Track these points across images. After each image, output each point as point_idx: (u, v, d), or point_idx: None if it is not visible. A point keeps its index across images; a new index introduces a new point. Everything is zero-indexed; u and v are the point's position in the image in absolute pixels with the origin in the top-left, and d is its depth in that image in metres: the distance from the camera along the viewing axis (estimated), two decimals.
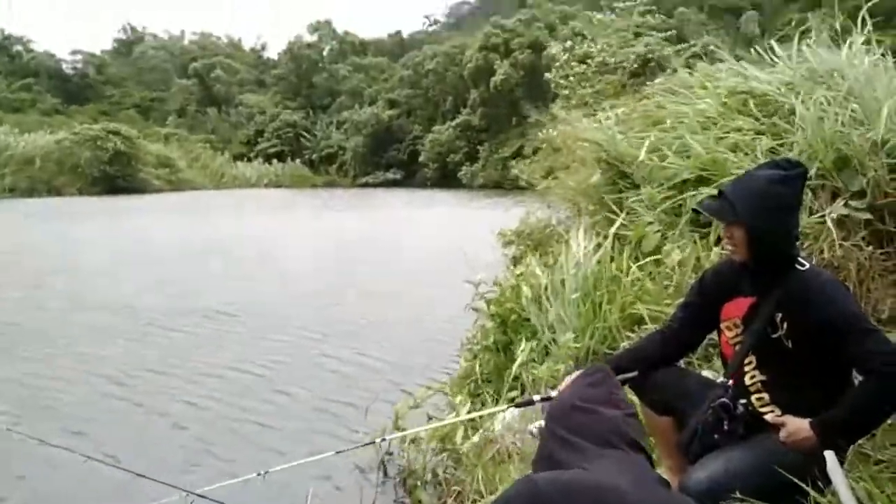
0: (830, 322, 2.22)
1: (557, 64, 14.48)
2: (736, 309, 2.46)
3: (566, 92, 13.30)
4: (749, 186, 2.40)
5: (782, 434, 2.29)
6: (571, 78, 13.29)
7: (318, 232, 21.16)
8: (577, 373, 2.21)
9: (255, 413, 5.96)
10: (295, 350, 7.88)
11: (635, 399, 2.72)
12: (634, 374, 2.61)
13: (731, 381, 2.40)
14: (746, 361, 2.43)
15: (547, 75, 15.20)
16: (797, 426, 2.26)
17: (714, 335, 2.67)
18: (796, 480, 2.15)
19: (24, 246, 16.85)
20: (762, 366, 2.40)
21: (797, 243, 2.45)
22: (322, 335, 8.49)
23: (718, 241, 4.36)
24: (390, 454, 4.60)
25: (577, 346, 4.31)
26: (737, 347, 2.45)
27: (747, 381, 2.42)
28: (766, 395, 2.39)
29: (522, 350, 4.73)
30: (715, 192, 4.47)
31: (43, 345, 8.01)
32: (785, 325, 2.31)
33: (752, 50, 6.28)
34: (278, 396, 6.38)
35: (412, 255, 15.15)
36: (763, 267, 2.39)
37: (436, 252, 13.85)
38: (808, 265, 2.37)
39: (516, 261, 8.70)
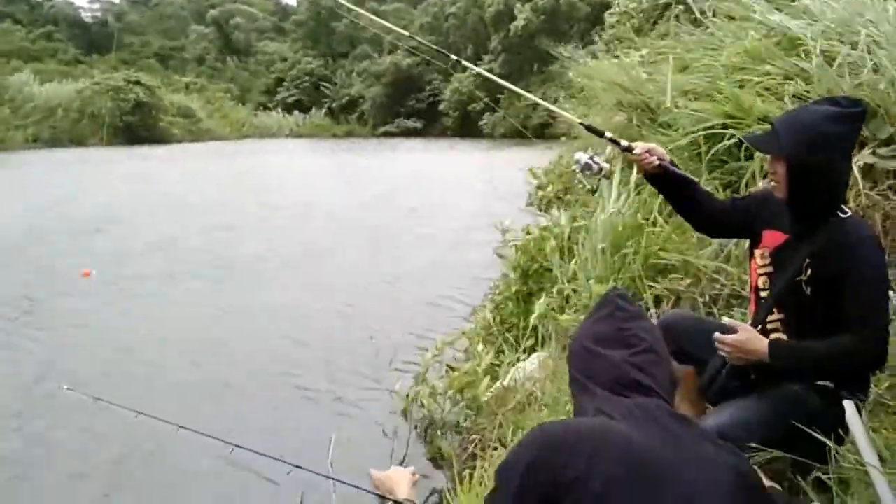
0: (854, 282, 2.15)
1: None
2: (771, 239, 2.39)
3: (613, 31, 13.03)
4: (800, 120, 2.25)
5: (731, 338, 2.27)
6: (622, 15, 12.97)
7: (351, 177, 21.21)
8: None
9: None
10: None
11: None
12: (694, 181, 2.64)
13: (758, 327, 2.36)
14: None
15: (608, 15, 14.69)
16: (754, 342, 2.25)
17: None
18: (815, 433, 2.15)
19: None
20: (781, 308, 2.35)
21: (844, 189, 2.29)
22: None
23: (746, 185, 4.33)
24: (414, 401, 4.68)
25: (600, 293, 4.31)
26: (761, 280, 2.41)
27: (769, 323, 2.37)
28: (784, 337, 2.35)
29: (541, 302, 4.75)
30: (734, 137, 4.46)
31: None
32: (809, 272, 2.23)
33: None
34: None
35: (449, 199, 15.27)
36: (801, 208, 2.28)
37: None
38: (849, 213, 2.24)
39: (547, 204, 8.68)
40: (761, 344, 2.24)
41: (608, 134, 2.77)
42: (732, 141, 4.52)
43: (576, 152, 2.59)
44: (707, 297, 3.95)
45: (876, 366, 2.23)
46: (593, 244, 4.71)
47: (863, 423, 2.15)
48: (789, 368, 2.25)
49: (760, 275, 2.42)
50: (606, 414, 1.44)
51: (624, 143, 2.68)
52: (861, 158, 3.99)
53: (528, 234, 5.98)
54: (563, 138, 11.02)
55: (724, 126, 4.72)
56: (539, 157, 12.31)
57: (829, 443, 2.12)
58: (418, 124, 50.81)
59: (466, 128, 46.46)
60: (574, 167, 2.97)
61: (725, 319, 2.44)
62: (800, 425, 2.14)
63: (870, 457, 2.00)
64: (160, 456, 4.41)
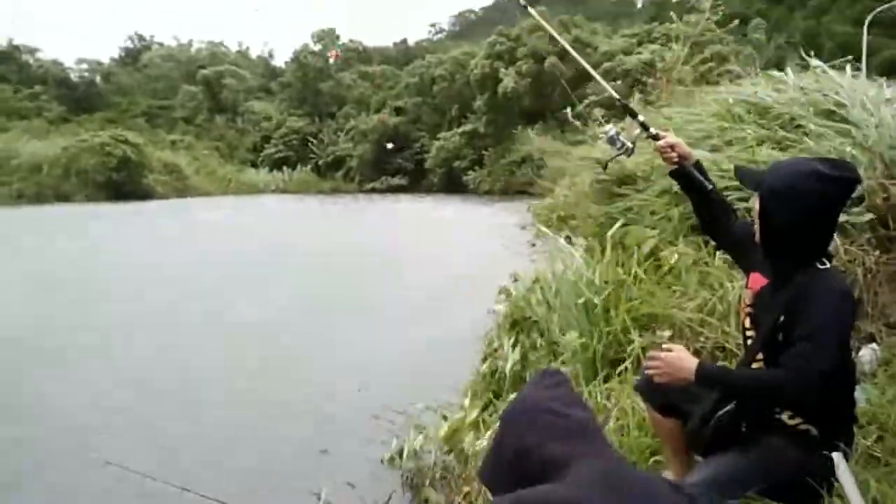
0: (804, 321, 2.16)
1: None
2: (755, 282, 2.43)
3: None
4: (790, 168, 2.28)
5: (662, 354, 2.29)
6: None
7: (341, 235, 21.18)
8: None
9: None
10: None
11: (640, 404, 2.74)
12: (710, 186, 2.64)
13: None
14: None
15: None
16: (684, 360, 2.26)
17: None
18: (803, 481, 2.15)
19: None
20: (763, 352, 2.34)
21: (823, 248, 2.28)
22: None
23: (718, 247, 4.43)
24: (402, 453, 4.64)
25: (584, 347, 4.32)
26: (747, 320, 2.43)
27: (755, 363, 2.37)
28: None
29: (514, 353, 4.80)
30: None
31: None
32: (782, 319, 2.24)
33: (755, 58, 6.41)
34: None
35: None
36: (767, 253, 2.32)
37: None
38: (828, 265, 2.26)
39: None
40: (690, 363, 2.24)
41: (640, 117, 2.81)
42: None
43: (606, 127, 2.74)
44: (691, 350, 3.97)
45: (797, 401, 2.21)
46: (575, 298, 4.75)
47: (852, 475, 2.15)
48: (719, 391, 2.28)
49: (746, 314, 2.45)
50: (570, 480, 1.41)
51: (653, 130, 2.72)
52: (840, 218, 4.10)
53: (516, 280, 6.07)
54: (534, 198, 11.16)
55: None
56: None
57: (822, 491, 2.12)
58: (404, 181, 51.22)
59: (451, 185, 46.90)
60: (600, 137, 3.18)
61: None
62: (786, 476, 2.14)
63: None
64: None
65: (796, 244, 2.24)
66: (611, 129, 2.70)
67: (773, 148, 4.79)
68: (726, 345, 3.80)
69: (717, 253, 4.44)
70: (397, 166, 52.26)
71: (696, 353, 3.91)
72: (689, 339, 4.05)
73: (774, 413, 2.32)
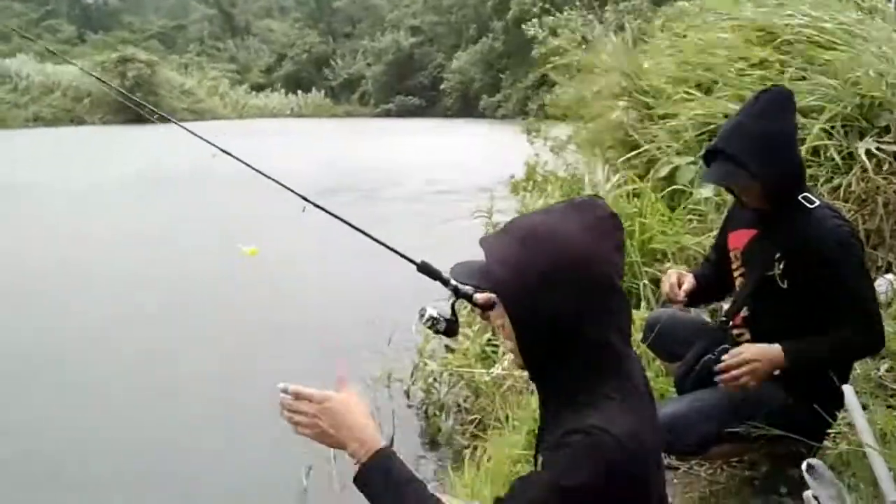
0: (834, 281, 2.10)
1: None
2: (737, 240, 2.37)
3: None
4: (751, 137, 2.17)
5: (744, 355, 2.17)
6: None
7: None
8: None
9: None
10: None
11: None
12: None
13: (729, 323, 2.37)
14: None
15: None
16: (765, 352, 2.16)
17: None
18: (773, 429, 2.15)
19: None
20: (751, 304, 2.31)
21: (802, 180, 2.25)
22: None
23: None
24: (414, 383, 4.69)
25: None
26: (738, 282, 2.38)
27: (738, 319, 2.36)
28: (746, 332, 2.33)
29: None
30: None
31: None
32: (782, 265, 2.18)
33: None
34: None
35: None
36: (778, 211, 2.24)
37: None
38: (817, 203, 2.17)
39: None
40: (774, 351, 2.15)
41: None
42: None
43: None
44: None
45: (875, 351, 2.29)
46: None
47: (860, 405, 2.17)
48: (806, 369, 2.18)
49: (736, 277, 2.40)
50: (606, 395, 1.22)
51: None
52: (864, 145, 4.02)
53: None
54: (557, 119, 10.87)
55: (727, 115, 4.75)
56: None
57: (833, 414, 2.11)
58: (421, 102, 50.52)
59: (467, 108, 46.28)
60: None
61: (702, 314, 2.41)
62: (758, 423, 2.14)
63: (868, 437, 2.02)
64: None
65: (799, 184, 2.22)
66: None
67: (798, 79, 4.62)
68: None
69: None
70: (412, 88, 51.53)
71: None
72: None
73: None
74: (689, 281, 2.51)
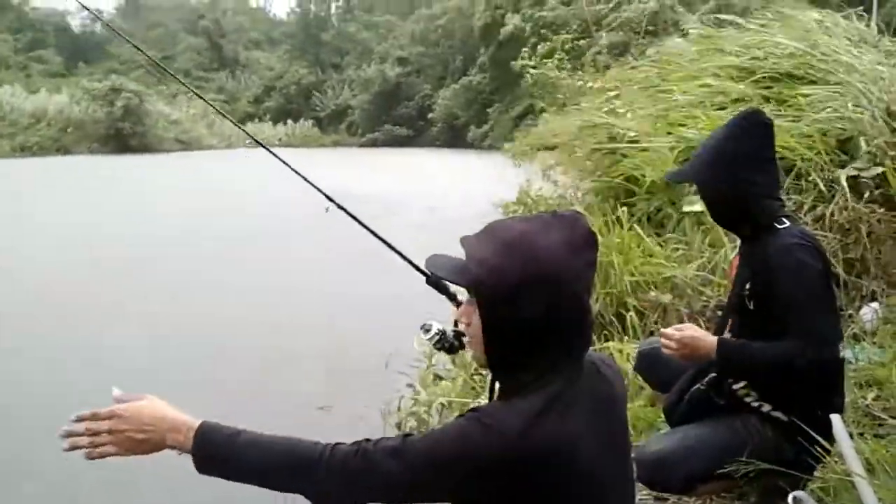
0: (781, 292, 2.11)
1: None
2: (733, 266, 2.42)
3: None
4: (706, 144, 2.29)
5: (678, 333, 2.23)
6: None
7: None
8: None
9: None
10: None
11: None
12: None
13: None
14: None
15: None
16: (702, 337, 2.21)
17: None
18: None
19: None
20: (731, 324, 2.33)
21: (773, 201, 2.23)
22: None
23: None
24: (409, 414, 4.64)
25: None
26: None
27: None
28: None
29: None
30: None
31: None
32: (748, 286, 2.20)
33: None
34: None
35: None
36: (727, 227, 2.32)
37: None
38: (787, 224, 2.18)
39: None
40: (709, 339, 2.21)
41: None
42: None
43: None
44: (693, 310, 3.98)
45: (812, 363, 2.08)
46: None
47: (849, 436, 2.16)
48: (734, 367, 2.21)
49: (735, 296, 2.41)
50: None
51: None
52: (846, 172, 4.08)
53: None
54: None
55: None
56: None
57: (822, 446, 2.09)
58: (408, 132, 50.85)
59: (454, 139, 46.63)
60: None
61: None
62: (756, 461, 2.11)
63: (856, 466, 2.01)
64: None
65: (748, 206, 2.20)
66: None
67: (775, 111, 4.71)
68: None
69: None
70: (399, 118, 51.89)
71: (700, 312, 3.93)
72: (692, 297, 4.05)
73: (745, 394, 2.25)
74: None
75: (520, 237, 1.27)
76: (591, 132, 6.44)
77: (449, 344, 1.72)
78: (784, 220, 2.19)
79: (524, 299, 1.23)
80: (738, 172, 2.17)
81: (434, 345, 1.71)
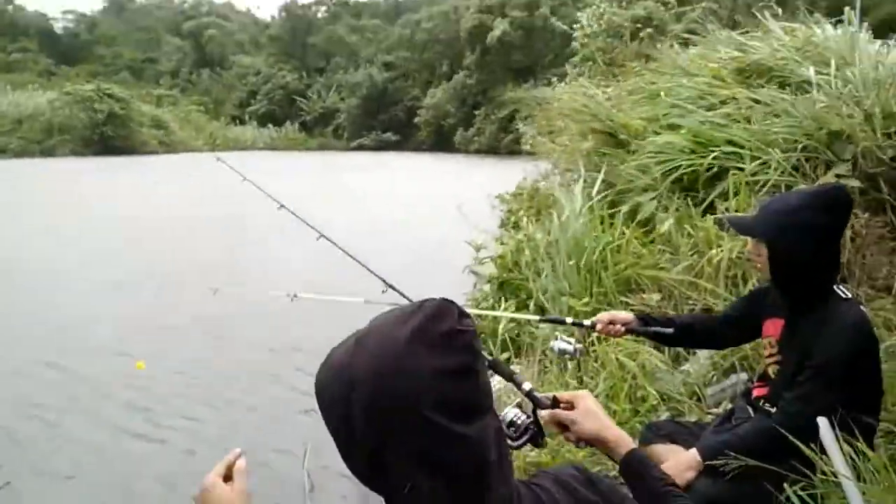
0: (812, 363, 2.18)
1: (579, 26, 14.27)
2: (773, 328, 2.42)
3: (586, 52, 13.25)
4: (784, 204, 2.31)
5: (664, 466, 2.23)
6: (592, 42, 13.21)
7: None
8: None
9: None
10: None
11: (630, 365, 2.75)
12: (669, 330, 2.59)
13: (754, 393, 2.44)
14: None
15: (574, 43, 14.87)
16: (681, 461, 2.23)
17: None
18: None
19: None
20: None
21: (834, 274, 2.29)
22: None
23: (707, 209, 4.45)
24: None
25: (575, 307, 4.33)
26: (771, 369, 2.43)
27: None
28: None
29: (506, 308, 4.82)
30: (704, 161, 4.70)
31: None
32: (808, 361, 2.22)
33: (752, 14, 6.35)
34: None
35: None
36: (786, 291, 2.32)
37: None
38: (848, 296, 2.25)
39: (516, 225, 8.69)
40: (688, 456, 2.24)
41: (568, 319, 2.82)
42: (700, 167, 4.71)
43: (551, 342, 2.58)
44: (679, 312, 3.99)
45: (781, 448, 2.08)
46: (562, 260, 4.75)
47: (835, 440, 2.15)
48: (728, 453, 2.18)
49: (769, 364, 2.44)
50: None
51: (586, 322, 2.69)
52: (827, 179, 4.10)
53: (503, 244, 6.02)
54: (529, 155, 11.12)
55: (693, 150, 4.87)
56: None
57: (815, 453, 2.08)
58: (395, 137, 50.81)
59: (441, 143, 46.66)
60: (553, 354, 3.02)
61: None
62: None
63: (842, 468, 2.01)
64: None
65: (812, 276, 2.26)
66: (556, 344, 2.63)
67: (767, 113, 4.75)
68: (715, 307, 3.82)
69: (707, 216, 4.44)
70: (387, 122, 51.83)
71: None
72: (678, 301, 4.06)
73: None
74: (624, 318, 2.64)
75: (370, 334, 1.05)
76: (590, 118, 6.41)
77: (527, 438, 1.37)
78: (842, 290, 2.25)
79: (351, 414, 1.00)
80: (814, 244, 2.22)
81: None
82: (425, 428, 0.96)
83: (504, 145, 37.84)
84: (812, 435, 2.06)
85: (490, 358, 1.38)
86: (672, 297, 4.12)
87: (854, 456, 2.04)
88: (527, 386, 1.44)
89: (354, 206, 16.25)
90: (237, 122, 52.71)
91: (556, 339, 2.51)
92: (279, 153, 44.09)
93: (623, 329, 2.63)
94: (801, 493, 2.09)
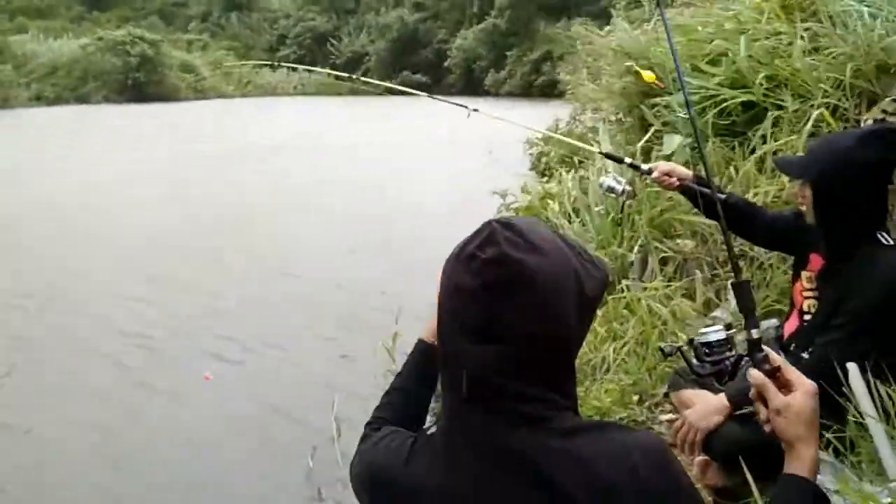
0: (850, 305, 2.13)
1: None
2: (817, 264, 2.37)
3: None
4: (833, 145, 2.24)
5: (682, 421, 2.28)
6: None
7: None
8: None
9: None
10: None
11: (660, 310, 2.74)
12: (722, 196, 2.54)
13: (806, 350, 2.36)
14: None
15: None
16: (708, 400, 2.27)
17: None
18: None
19: None
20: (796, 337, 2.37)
21: (880, 218, 2.21)
22: None
23: (753, 150, 4.32)
24: None
25: (606, 256, 4.33)
26: (807, 303, 2.39)
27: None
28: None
29: None
30: (744, 98, 4.51)
31: None
32: (844, 306, 2.17)
33: None
34: None
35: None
36: (828, 234, 2.25)
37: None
38: (891, 242, 2.18)
39: (547, 172, 8.63)
40: (713, 401, 2.27)
41: (627, 160, 2.79)
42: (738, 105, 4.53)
43: (600, 178, 2.56)
44: (714, 259, 3.97)
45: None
46: (593, 207, 4.71)
47: (864, 384, 2.16)
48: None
49: (806, 297, 2.40)
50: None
51: (644, 166, 2.67)
52: (871, 116, 3.97)
53: (528, 194, 5.98)
54: (568, 96, 10.89)
55: (733, 86, 4.70)
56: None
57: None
58: (425, 79, 50.14)
59: (471, 86, 45.98)
60: (599, 191, 2.99)
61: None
62: None
63: (869, 410, 2.01)
64: None
65: (856, 220, 2.19)
66: (605, 180, 2.58)
67: (810, 50, 4.56)
68: (750, 252, 3.77)
69: (749, 156, 4.32)
70: (416, 66, 51.14)
71: (721, 262, 3.91)
72: (711, 247, 4.04)
73: None
74: (682, 173, 2.62)
75: None
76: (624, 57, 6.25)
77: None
78: (886, 238, 2.18)
79: None
80: (864, 185, 2.16)
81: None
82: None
83: (536, 87, 37.23)
84: (843, 380, 2.05)
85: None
86: (706, 243, 4.09)
87: (885, 400, 2.04)
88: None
89: None
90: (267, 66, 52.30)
91: (607, 174, 2.49)
92: (313, 98, 43.84)
93: (677, 182, 2.63)
94: (830, 436, 2.11)
